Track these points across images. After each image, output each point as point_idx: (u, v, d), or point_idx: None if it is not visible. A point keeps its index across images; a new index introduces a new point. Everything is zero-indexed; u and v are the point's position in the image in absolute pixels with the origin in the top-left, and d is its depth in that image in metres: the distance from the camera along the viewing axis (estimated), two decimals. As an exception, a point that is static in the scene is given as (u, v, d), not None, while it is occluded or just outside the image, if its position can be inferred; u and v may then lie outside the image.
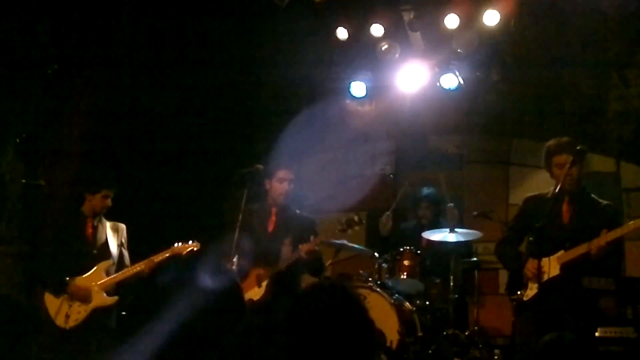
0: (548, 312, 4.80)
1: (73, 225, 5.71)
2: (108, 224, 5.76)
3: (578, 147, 4.89)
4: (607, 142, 7.86)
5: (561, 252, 4.87)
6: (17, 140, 7.23)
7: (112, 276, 5.60)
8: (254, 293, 5.34)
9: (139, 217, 6.75)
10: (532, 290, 4.97)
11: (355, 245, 6.68)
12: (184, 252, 5.55)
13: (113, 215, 5.85)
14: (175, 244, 5.62)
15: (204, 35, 7.78)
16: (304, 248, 5.40)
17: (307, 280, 5.83)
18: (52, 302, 5.50)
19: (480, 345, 6.37)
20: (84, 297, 5.50)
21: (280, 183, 5.62)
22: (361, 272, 6.69)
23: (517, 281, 5.14)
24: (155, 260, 5.54)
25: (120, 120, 7.95)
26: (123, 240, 5.80)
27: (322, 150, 8.69)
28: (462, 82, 7.38)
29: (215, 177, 7.40)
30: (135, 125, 8.04)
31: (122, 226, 5.85)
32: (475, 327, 6.62)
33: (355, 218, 5.49)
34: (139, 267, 5.56)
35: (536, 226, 4.73)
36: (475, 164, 8.58)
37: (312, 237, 5.45)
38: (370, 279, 6.57)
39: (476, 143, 8.57)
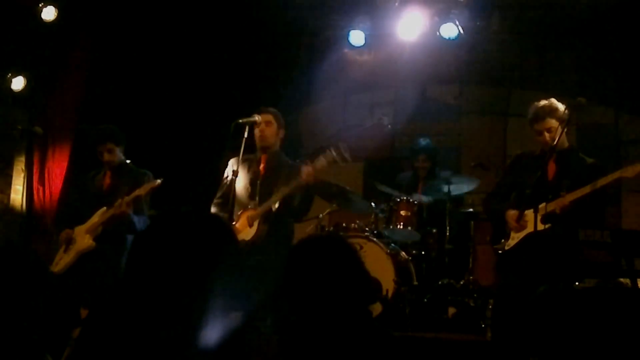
0: (530, 262, 4.84)
1: (93, 176, 5.95)
2: (132, 173, 5.89)
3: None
4: (607, 92, 7.81)
5: (543, 205, 4.81)
6: (15, 89, 7.23)
7: (94, 220, 5.68)
8: (246, 233, 5.31)
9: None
10: (513, 240, 5.05)
11: (355, 194, 6.74)
12: (146, 191, 5.59)
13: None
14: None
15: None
16: (305, 170, 5.29)
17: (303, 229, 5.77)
18: (60, 251, 5.74)
19: (475, 295, 6.43)
20: (69, 241, 5.67)
21: (258, 127, 5.53)
22: (358, 221, 6.72)
23: (501, 232, 5.20)
24: (125, 200, 5.55)
25: (120, 70, 7.90)
26: (141, 188, 5.76)
27: (320, 100, 8.64)
28: (462, 31, 7.31)
29: (214, 127, 7.37)
30: (134, 75, 7.99)
31: (144, 173, 5.90)
32: (470, 277, 6.67)
33: (334, 153, 5.25)
34: (112, 210, 5.59)
35: (527, 192, 4.76)
36: (474, 114, 8.54)
37: (310, 161, 5.35)
38: (366, 228, 6.60)
39: (475, 93, 8.51)
